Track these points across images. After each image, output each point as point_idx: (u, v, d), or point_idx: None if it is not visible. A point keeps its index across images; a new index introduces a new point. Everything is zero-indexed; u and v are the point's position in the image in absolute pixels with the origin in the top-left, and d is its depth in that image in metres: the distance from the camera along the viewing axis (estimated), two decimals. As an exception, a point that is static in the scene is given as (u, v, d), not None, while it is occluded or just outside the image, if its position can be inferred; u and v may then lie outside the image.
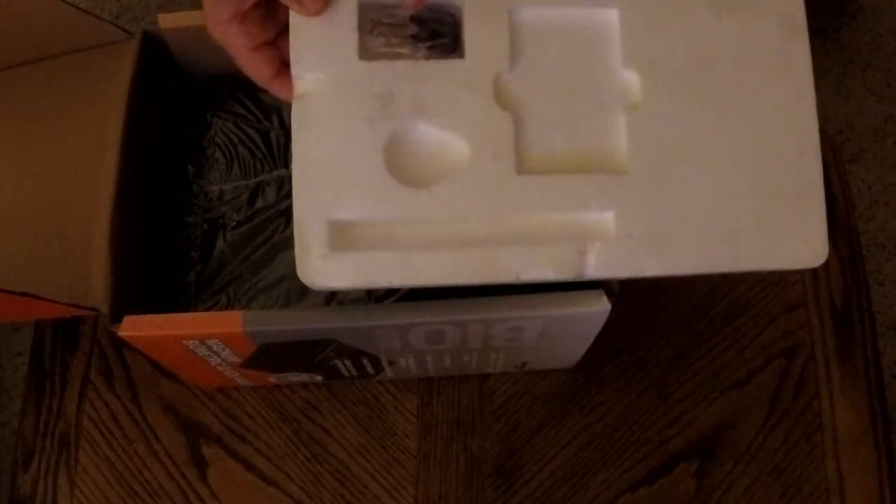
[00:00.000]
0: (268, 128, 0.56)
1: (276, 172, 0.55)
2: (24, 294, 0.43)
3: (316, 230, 0.40)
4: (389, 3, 0.42)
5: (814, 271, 0.61)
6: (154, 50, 0.53)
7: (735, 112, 0.41)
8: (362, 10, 0.42)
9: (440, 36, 0.42)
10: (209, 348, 0.48)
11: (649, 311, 0.61)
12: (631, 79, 0.42)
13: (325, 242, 0.40)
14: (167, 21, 0.52)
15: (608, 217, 0.41)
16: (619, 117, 0.42)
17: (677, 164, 0.41)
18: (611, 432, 0.58)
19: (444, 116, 0.41)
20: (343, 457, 0.58)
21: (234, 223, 0.55)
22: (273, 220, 0.54)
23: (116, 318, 0.46)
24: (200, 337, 0.47)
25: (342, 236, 0.40)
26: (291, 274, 0.52)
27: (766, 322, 0.61)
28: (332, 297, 0.52)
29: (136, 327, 0.46)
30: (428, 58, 0.41)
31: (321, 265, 0.40)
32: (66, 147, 0.50)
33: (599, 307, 0.45)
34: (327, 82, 0.41)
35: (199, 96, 0.57)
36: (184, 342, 0.47)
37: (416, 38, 0.42)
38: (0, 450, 1.06)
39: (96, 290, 0.46)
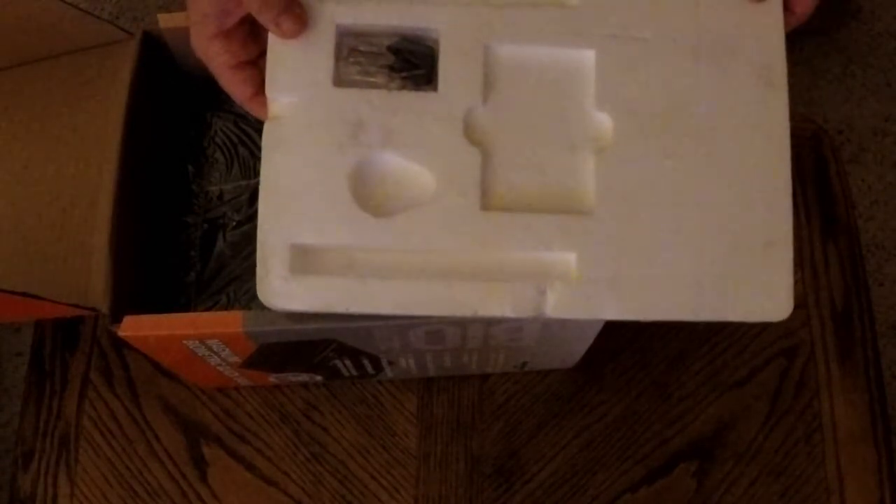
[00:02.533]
0: (268, 128, 0.56)
1: (276, 172, 0.55)
2: (24, 294, 0.43)
3: (278, 252, 0.40)
4: (368, 32, 0.42)
5: (814, 271, 0.61)
6: (154, 50, 0.53)
7: (707, 160, 0.41)
8: (340, 37, 0.42)
9: (416, 67, 0.42)
10: (209, 348, 0.48)
11: (649, 311, 0.61)
12: (603, 121, 0.42)
13: (285, 265, 0.40)
14: (167, 21, 0.52)
15: (570, 258, 0.40)
16: (589, 159, 0.41)
17: (644, 209, 0.41)
18: (611, 432, 0.58)
19: (412, 147, 0.41)
20: (343, 457, 0.58)
21: (234, 223, 0.55)
22: (273, 220, 0.54)
23: (116, 318, 0.46)
24: (200, 337, 0.47)
25: (303, 260, 0.40)
26: (291, 274, 0.52)
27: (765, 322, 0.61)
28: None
29: (136, 327, 0.46)
30: (401, 88, 0.42)
31: (280, 287, 0.40)
32: (66, 147, 0.50)
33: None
34: (300, 106, 0.41)
35: (199, 96, 0.57)
36: (184, 342, 0.47)
37: (391, 69, 0.42)
38: (0, 450, 1.06)
39: (96, 290, 0.46)
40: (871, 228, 1.15)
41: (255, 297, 0.53)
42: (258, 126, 0.56)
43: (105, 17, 0.51)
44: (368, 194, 0.41)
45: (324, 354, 0.50)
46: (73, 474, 0.58)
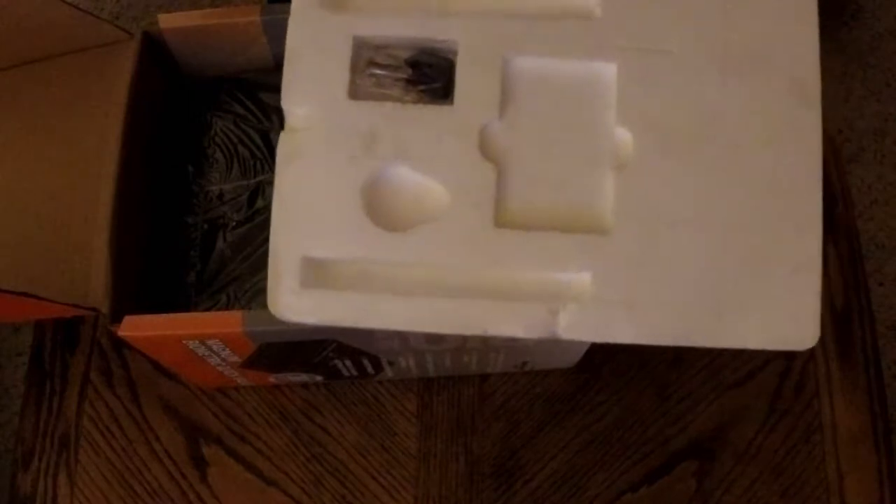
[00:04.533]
0: (268, 128, 0.56)
1: (276, 172, 0.55)
2: (24, 294, 0.43)
3: (289, 265, 0.39)
4: (385, 44, 0.41)
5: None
6: (154, 50, 0.53)
7: (733, 178, 0.39)
8: (357, 49, 0.41)
9: (433, 81, 0.41)
10: (209, 348, 0.48)
11: (649, 311, 0.61)
12: (624, 137, 0.40)
13: (296, 278, 0.39)
14: (167, 21, 0.52)
15: (585, 278, 0.39)
16: (608, 175, 0.40)
17: (664, 229, 0.39)
18: (611, 432, 0.58)
19: (426, 161, 0.40)
20: (343, 457, 0.58)
21: (234, 223, 0.55)
22: (273, 220, 0.54)
23: (116, 318, 0.46)
24: (200, 337, 0.47)
25: (314, 273, 0.40)
26: (291, 274, 0.52)
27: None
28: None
29: (136, 327, 0.46)
30: (417, 101, 0.41)
31: (291, 300, 0.39)
32: (66, 147, 0.50)
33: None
34: (315, 118, 0.40)
35: (199, 96, 0.57)
36: (184, 342, 0.47)
37: (408, 82, 0.41)
38: (0, 450, 1.06)
39: (96, 290, 0.46)
40: (871, 228, 1.15)
41: (254, 296, 0.53)
42: (258, 126, 0.56)
43: (105, 17, 0.51)
44: (381, 208, 0.40)
45: (324, 354, 0.50)
46: (73, 474, 0.58)
